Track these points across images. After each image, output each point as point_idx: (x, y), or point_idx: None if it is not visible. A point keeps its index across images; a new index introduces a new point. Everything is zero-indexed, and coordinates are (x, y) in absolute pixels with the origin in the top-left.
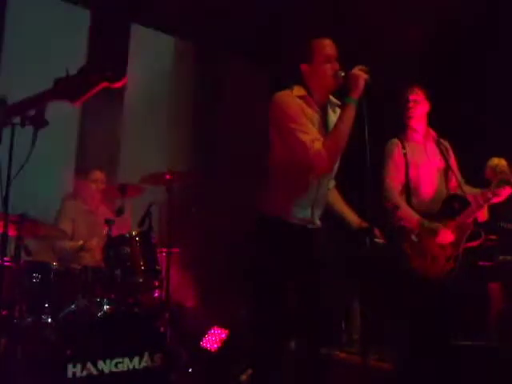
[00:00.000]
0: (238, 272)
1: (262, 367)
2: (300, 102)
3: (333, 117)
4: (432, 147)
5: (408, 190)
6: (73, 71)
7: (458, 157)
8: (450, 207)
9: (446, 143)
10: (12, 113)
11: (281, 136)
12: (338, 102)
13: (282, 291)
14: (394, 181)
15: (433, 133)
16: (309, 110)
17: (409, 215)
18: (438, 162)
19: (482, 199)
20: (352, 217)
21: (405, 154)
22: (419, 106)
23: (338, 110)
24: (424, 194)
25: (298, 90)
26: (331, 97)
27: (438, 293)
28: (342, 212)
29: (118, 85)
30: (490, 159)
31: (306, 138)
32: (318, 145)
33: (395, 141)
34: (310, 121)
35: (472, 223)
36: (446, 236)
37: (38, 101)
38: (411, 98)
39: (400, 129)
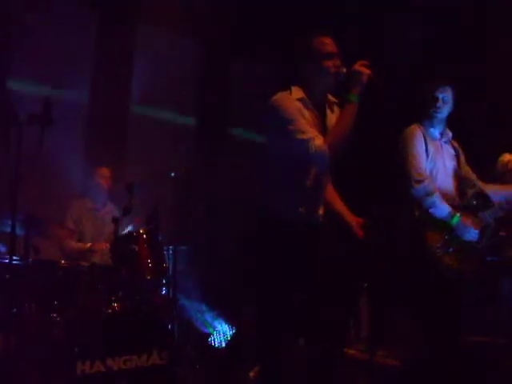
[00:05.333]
0: (244, 270)
1: (269, 364)
2: (298, 104)
3: (331, 116)
4: (447, 148)
5: None
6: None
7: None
8: (474, 203)
9: (456, 145)
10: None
11: (280, 138)
12: (336, 100)
13: (286, 291)
14: (422, 162)
15: (449, 133)
16: (307, 112)
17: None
18: (452, 163)
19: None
20: (348, 215)
21: (426, 142)
22: (446, 106)
23: (336, 109)
24: None
25: (296, 92)
26: (329, 95)
27: (462, 290)
28: (337, 209)
29: None
30: (502, 155)
31: (305, 136)
32: (318, 141)
33: (416, 126)
34: (309, 122)
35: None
36: (476, 231)
37: None
38: (440, 96)
39: (413, 121)
